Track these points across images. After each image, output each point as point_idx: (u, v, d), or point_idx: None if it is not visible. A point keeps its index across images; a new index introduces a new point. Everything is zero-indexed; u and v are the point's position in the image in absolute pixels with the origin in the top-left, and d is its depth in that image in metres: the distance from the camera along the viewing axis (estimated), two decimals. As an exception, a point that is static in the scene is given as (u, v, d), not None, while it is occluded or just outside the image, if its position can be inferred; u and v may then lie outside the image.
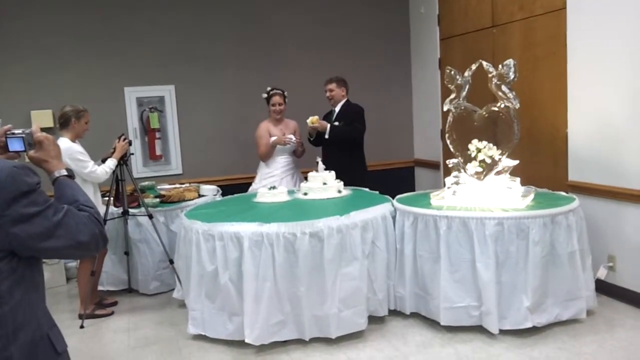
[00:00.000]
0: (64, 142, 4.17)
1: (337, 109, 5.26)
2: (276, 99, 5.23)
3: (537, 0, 4.73)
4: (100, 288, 4.85)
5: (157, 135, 5.91)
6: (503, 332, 3.68)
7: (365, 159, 5.37)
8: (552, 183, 4.52)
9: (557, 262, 3.69)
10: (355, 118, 5.12)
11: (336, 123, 5.15)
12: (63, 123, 4.29)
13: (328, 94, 5.26)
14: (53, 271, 5.29)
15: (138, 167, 5.86)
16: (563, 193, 4.28)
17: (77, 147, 4.23)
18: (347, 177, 4.78)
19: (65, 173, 1.69)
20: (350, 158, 5.16)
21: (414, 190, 5.94)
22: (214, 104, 6.08)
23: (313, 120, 5.02)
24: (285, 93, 5.32)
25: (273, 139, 5.20)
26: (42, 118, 5.41)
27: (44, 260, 5.22)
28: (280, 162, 5.29)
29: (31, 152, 1.68)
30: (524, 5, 4.87)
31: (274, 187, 4.71)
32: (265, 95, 5.30)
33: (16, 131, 1.68)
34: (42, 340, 1.54)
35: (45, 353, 1.54)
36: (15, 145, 1.67)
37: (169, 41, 5.87)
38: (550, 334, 3.70)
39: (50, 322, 1.61)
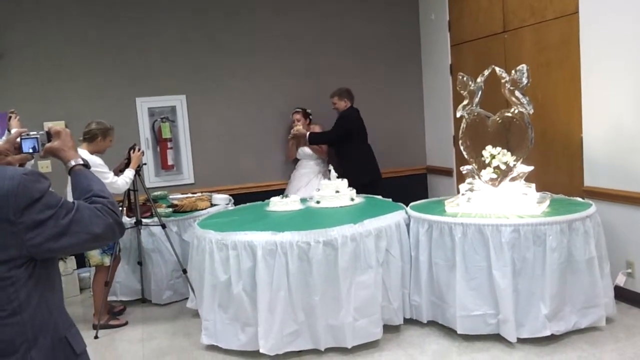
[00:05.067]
0: (83, 154, 4.17)
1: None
2: (294, 116, 5.99)
3: (549, 5, 4.69)
4: (113, 298, 4.85)
5: (169, 145, 5.92)
6: (521, 340, 3.63)
7: (361, 159, 5.76)
8: (568, 189, 4.47)
9: (574, 269, 3.64)
10: (336, 123, 5.76)
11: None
12: (88, 138, 4.30)
13: (333, 106, 5.80)
14: (67, 282, 5.28)
15: (150, 177, 5.86)
16: (579, 199, 4.23)
17: (96, 159, 4.22)
18: (352, 175, 5.03)
19: (81, 162, 1.73)
20: (352, 159, 5.67)
21: (427, 198, 5.89)
22: (225, 113, 6.09)
23: (293, 130, 5.92)
24: (309, 110, 6.01)
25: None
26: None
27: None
28: (303, 165, 6.03)
29: (49, 144, 1.72)
30: (536, 10, 4.84)
31: (286, 196, 4.69)
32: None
33: (31, 133, 1.72)
34: (60, 342, 1.57)
35: (64, 355, 1.57)
36: (29, 146, 1.71)
37: (180, 51, 5.89)
38: (569, 342, 3.65)
39: (67, 323, 1.64)
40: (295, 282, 3.62)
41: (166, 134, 5.88)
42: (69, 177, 1.72)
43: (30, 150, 1.71)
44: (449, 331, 3.88)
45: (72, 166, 1.72)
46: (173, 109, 5.95)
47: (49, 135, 1.73)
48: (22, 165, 1.70)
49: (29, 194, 1.46)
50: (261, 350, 3.61)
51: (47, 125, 1.79)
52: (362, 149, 5.77)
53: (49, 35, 5.51)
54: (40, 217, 1.46)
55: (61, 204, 1.51)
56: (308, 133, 5.80)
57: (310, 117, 6.01)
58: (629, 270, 4.20)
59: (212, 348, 3.89)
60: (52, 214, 1.48)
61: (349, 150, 5.71)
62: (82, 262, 5.38)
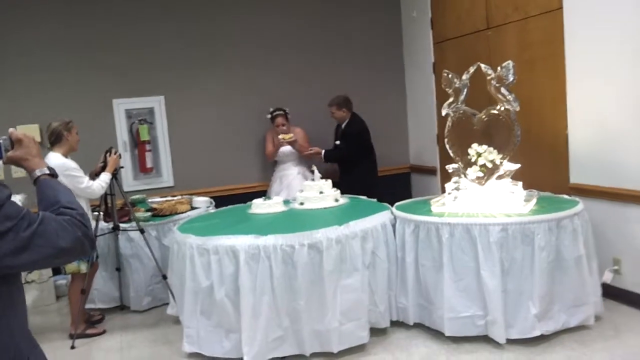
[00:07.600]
0: (57, 158, 4.03)
1: (343, 126, 5.65)
2: (279, 120, 5.70)
3: (532, 1, 4.65)
4: (91, 306, 4.71)
5: (148, 147, 5.78)
6: (510, 341, 3.57)
7: (371, 170, 5.70)
8: (554, 186, 4.42)
9: (563, 268, 3.59)
10: (350, 140, 5.53)
11: (337, 142, 5.66)
12: (55, 140, 4.14)
13: (331, 114, 5.62)
14: (42, 289, 5.13)
15: (128, 180, 5.71)
16: (566, 196, 4.19)
17: (71, 163, 4.08)
18: (356, 186, 5.01)
19: (47, 172, 1.60)
20: (354, 172, 5.53)
21: (410, 197, 5.82)
22: (205, 114, 5.96)
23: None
24: (287, 110, 5.76)
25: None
26: (29, 133, 5.25)
27: (32, 279, 5.00)
28: (281, 168, 5.85)
29: (10, 153, 1.59)
30: (519, 6, 4.79)
31: (268, 198, 4.59)
32: (269, 116, 5.76)
33: None
34: None
35: None
36: None
37: (157, 52, 5.75)
38: (559, 341, 3.59)
39: (30, 344, 1.50)
40: (280, 286, 3.51)
41: (144, 136, 5.74)
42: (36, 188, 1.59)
43: None
44: (436, 333, 3.80)
45: (37, 176, 1.59)
46: (151, 111, 5.81)
47: (12, 142, 1.60)
48: None
49: None
50: (245, 358, 3.50)
51: (9, 130, 1.66)
52: (371, 160, 5.67)
53: (19, 36, 5.34)
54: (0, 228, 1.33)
55: (22, 215, 1.37)
56: (323, 151, 5.59)
57: (288, 116, 5.79)
58: (616, 267, 4.16)
59: (194, 356, 3.76)
60: (11, 225, 1.34)
61: (356, 162, 5.54)
62: (58, 269, 5.22)
